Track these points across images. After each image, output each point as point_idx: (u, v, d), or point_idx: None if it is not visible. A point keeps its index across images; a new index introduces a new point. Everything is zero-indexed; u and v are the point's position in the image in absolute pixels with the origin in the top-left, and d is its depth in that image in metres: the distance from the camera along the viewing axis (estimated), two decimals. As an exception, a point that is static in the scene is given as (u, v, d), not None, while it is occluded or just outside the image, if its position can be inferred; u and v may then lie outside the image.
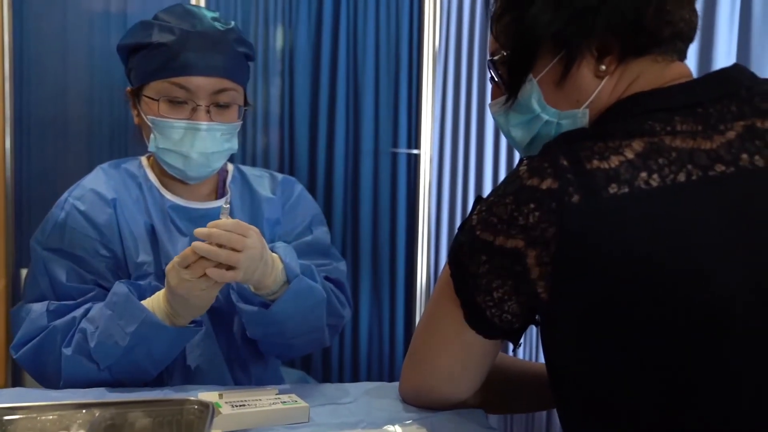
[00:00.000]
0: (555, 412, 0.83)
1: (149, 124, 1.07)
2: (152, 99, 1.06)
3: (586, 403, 0.73)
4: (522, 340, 0.81)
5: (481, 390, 0.86)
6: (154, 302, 0.96)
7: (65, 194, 1.11)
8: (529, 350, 2.16)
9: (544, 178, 0.68)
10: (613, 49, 0.74)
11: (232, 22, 1.12)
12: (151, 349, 0.95)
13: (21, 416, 0.72)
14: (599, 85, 0.75)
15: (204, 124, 1.06)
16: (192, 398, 0.74)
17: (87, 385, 0.96)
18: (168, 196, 1.13)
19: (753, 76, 0.74)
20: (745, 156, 0.66)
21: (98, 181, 1.12)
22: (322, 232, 1.23)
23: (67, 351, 0.97)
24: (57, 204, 1.10)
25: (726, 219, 0.65)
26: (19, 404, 0.73)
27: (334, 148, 2.50)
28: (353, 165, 2.53)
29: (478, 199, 0.77)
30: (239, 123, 1.12)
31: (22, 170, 2.52)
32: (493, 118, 0.86)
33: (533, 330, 1.92)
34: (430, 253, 2.36)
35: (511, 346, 0.82)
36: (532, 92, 0.78)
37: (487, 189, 2.25)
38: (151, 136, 1.08)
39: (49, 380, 1.01)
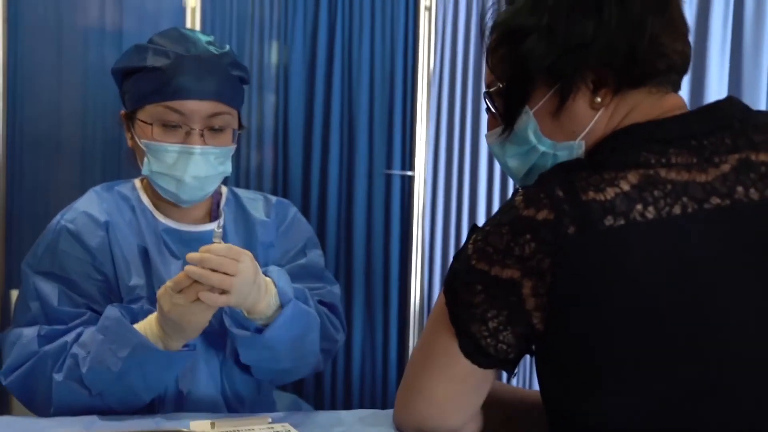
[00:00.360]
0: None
1: (143, 147, 1.07)
2: (146, 123, 1.06)
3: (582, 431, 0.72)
4: (517, 369, 0.81)
5: (477, 418, 0.85)
6: (147, 326, 0.95)
7: (57, 217, 1.10)
8: (523, 378, 2.15)
9: (540, 209, 0.68)
10: (609, 81, 0.74)
11: (227, 46, 1.12)
12: (144, 373, 0.94)
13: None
14: (595, 117, 0.75)
15: (198, 148, 1.05)
16: (183, 430, 0.73)
17: (78, 412, 0.95)
18: (161, 219, 1.12)
19: (746, 108, 0.75)
20: (740, 189, 0.67)
21: (91, 203, 1.11)
22: (316, 255, 1.22)
23: (58, 377, 0.96)
24: (49, 227, 1.09)
25: (722, 252, 0.65)
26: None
27: (328, 168, 2.50)
28: (347, 186, 2.52)
29: (474, 228, 0.77)
30: (233, 147, 1.12)
31: (14, 189, 2.49)
32: (490, 148, 0.86)
33: (528, 357, 1.91)
34: (423, 276, 2.35)
35: (505, 374, 0.81)
36: (529, 124, 0.78)
37: (481, 211, 2.26)
38: (145, 159, 1.07)
39: (40, 407, 0.99)
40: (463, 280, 0.74)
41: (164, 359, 0.94)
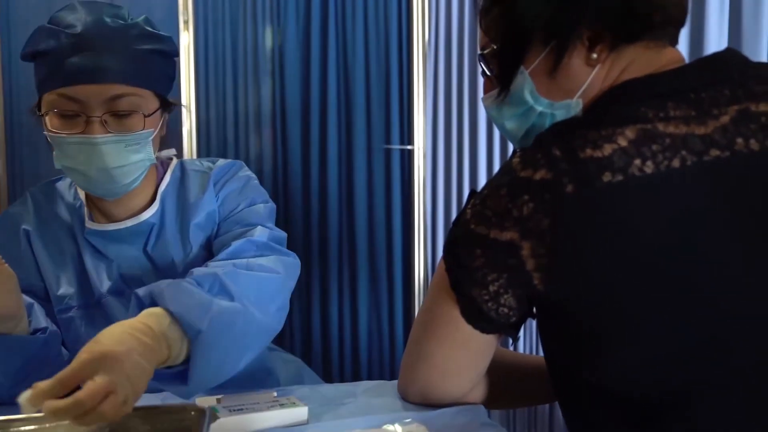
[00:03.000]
0: (557, 405, 0.82)
1: (49, 140, 0.98)
2: (42, 114, 0.96)
3: (585, 393, 0.72)
4: (521, 334, 0.81)
5: (482, 385, 0.85)
6: None
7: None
8: (529, 344, 2.16)
9: (538, 169, 0.67)
10: (604, 37, 0.73)
11: (143, 17, 1.00)
12: None
13: (20, 428, 0.71)
14: (591, 74, 0.74)
15: (99, 138, 0.93)
16: (189, 404, 0.74)
17: None
18: (88, 220, 1.04)
19: (745, 59, 0.74)
20: (740, 140, 0.66)
21: (21, 209, 1.07)
22: (257, 208, 1.07)
23: None
24: None
25: (723, 204, 0.64)
26: (14, 416, 0.72)
27: (327, 146, 2.49)
28: (346, 163, 2.52)
29: (473, 192, 0.77)
30: (150, 131, 0.98)
31: (15, 182, 2.51)
32: (487, 111, 0.86)
33: (533, 323, 1.92)
34: (426, 249, 2.35)
35: (510, 340, 0.81)
36: (525, 84, 0.77)
37: (482, 182, 2.25)
38: (54, 153, 0.97)
39: None
40: (462, 244, 0.73)
41: None
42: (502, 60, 0.78)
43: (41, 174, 2.49)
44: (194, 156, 2.40)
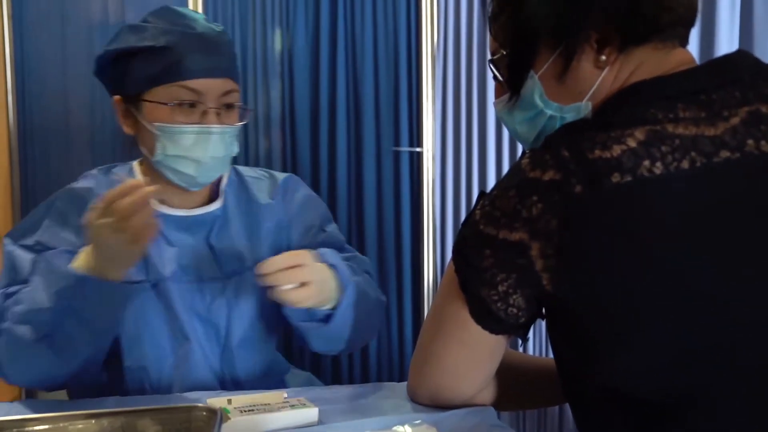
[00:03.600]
0: (567, 407, 0.82)
1: (155, 131, 1.02)
2: (160, 104, 1.02)
3: (593, 395, 0.72)
4: (530, 335, 0.81)
5: (491, 387, 0.86)
6: (81, 260, 0.92)
7: (52, 196, 1.09)
8: (538, 345, 2.15)
9: (546, 170, 0.67)
10: (613, 39, 0.73)
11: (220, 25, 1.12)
12: (80, 307, 0.90)
13: (35, 427, 0.72)
14: (600, 76, 0.74)
15: (216, 128, 1.03)
16: (200, 405, 0.74)
17: (35, 374, 0.94)
18: (155, 204, 1.06)
19: (756, 61, 0.73)
20: (750, 142, 0.66)
21: (85, 185, 1.10)
22: (334, 229, 1.22)
23: (3, 325, 0.92)
24: (41, 204, 1.09)
25: (732, 205, 0.64)
26: (29, 416, 0.73)
27: (336, 148, 2.49)
28: (356, 165, 2.52)
29: (482, 194, 0.77)
30: (242, 124, 1.10)
31: (28, 179, 2.53)
32: (498, 116, 0.86)
33: (542, 325, 1.91)
34: (435, 251, 2.35)
35: (519, 342, 0.81)
36: (534, 88, 0.77)
37: (491, 184, 2.25)
38: (158, 144, 1.03)
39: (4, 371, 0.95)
40: (471, 245, 0.73)
41: (96, 289, 0.89)
42: (512, 65, 0.79)
43: (52, 176, 2.51)
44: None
